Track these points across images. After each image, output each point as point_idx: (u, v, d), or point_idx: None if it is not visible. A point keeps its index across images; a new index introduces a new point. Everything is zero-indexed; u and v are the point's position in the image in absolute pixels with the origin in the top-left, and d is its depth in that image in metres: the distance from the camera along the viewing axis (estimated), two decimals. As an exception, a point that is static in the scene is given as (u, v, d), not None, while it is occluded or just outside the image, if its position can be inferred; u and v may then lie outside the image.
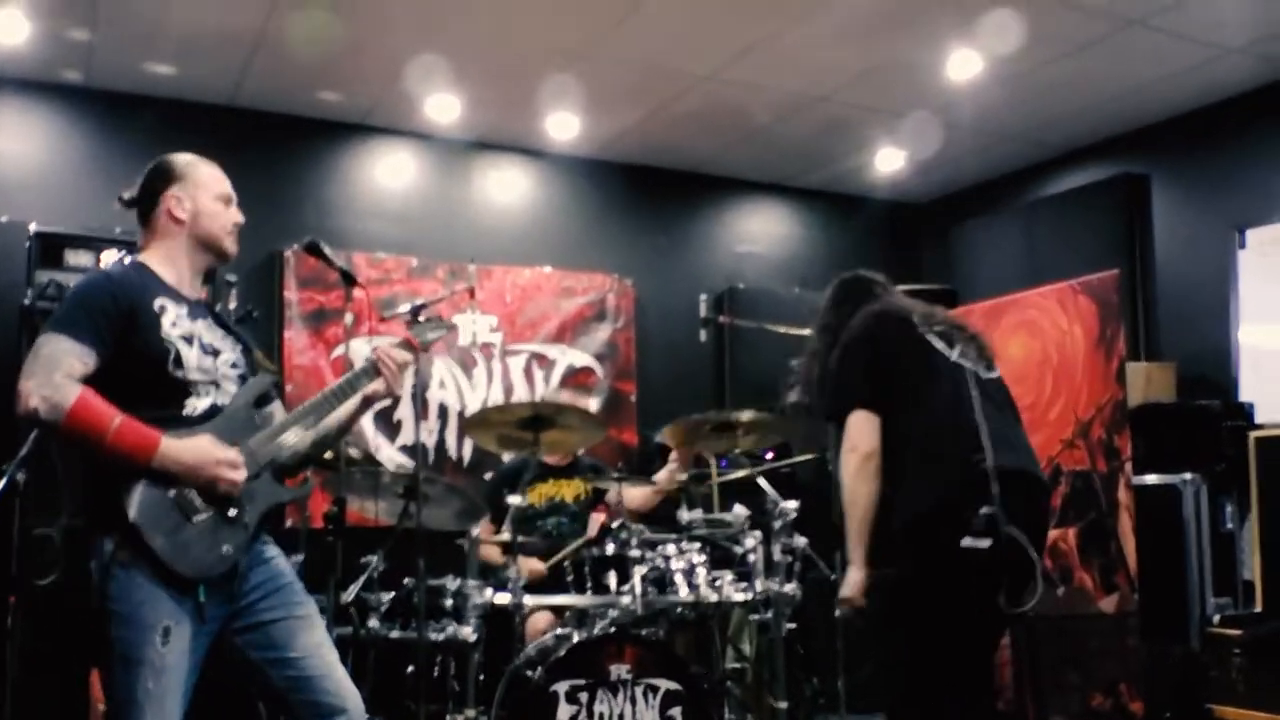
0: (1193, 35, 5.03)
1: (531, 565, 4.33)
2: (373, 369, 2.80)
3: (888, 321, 3.17)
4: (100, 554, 2.42)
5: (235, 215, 2.75)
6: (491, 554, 4.39)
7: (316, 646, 2.62)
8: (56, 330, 2.43)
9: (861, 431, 3.03)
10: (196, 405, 2.54)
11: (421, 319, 3.14)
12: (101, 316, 2.45)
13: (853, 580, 3.08)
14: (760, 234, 7.12)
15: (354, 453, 4.29)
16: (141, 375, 2.48)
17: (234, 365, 2.69)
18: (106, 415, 2.36)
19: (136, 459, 2.38)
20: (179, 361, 2.51)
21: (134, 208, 2.72)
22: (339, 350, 5.61)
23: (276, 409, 2.78)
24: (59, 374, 2.36)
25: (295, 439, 2.70)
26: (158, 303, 2.54)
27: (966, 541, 2.78)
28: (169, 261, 2.67)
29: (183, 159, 2.76)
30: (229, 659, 2.59)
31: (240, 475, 2.48)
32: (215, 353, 2.63)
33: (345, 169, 5.98)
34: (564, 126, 6.06)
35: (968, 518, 2.79)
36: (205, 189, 2.70)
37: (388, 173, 6.10)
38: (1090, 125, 6.16)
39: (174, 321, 2.54)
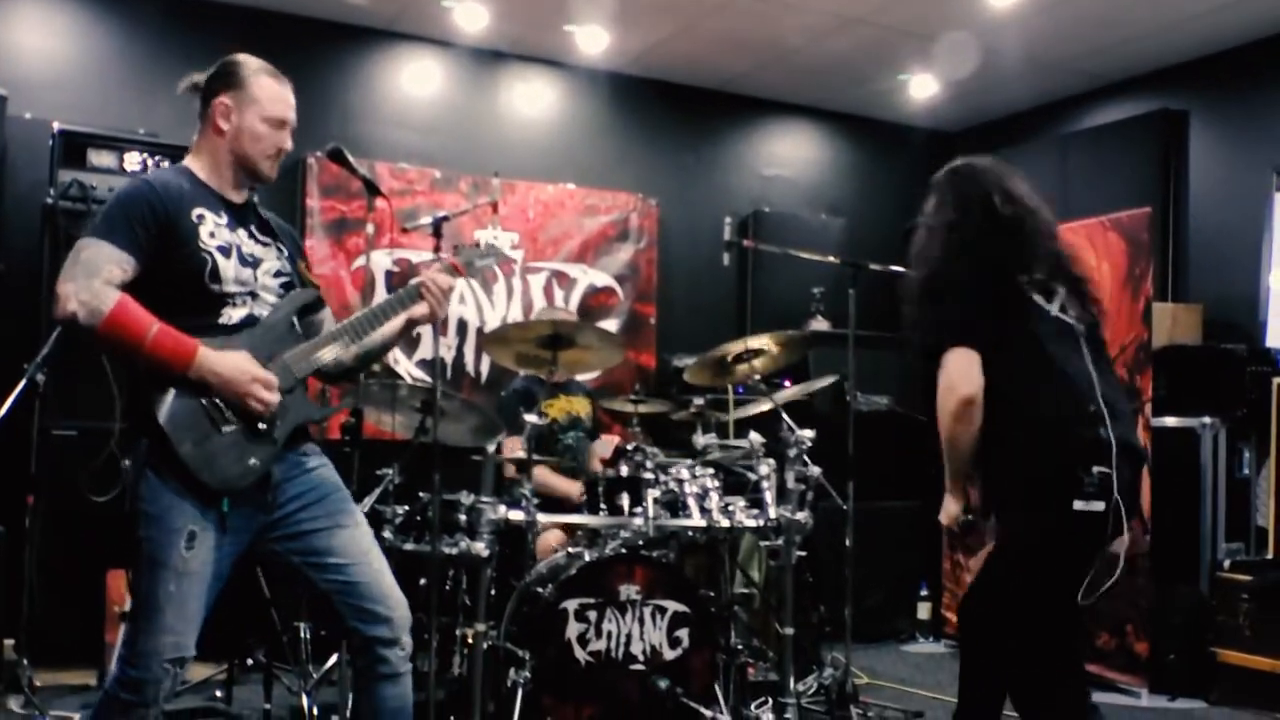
0: (1243, -32, 4.88)
1: (569, 487, 4.36)
2: (416, 293, 2.78)
3: (985, 266, 2.89)
4: (135, 455, 2.47)
5: (282, 140, 2.67)
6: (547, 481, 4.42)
7: (363, 553, 2.65)
8: (97, 235, 2.44)
9: (963, 372, 2.79)
10: (232, 315, 2.55)
11: (474, 244, 3.13)
12: (140, 225, 2.46)
13: (949, 509, 2.99)
14: (788, 157, 7.02)
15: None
16: (178, 285, 2.49)
17: (277, 274, 2.68)
18: (144, 322, 2.38)
19: (173, 366, 2.40)
20: (215, 273, 2.52)
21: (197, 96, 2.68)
22: (360, 261, 5.60)
23: (324, 320, 2.79)
24: (98, 280, 2.37)
25: (332, 355, 2.68)
26: (196, 212, 2.54)
27: (1079, 505, 2.69)
28: (213, 167, 2.65)
29: (250, 66, 2.65)
30: (271, 564, 2.63)
31: (273, 397, 2.49)
32: (255, 262, 2.62)
33: (371, 75, 5.90)
34: (593, 39, 5.95)
35: (1080, 478, 2.70)
36: (257, 106, 2.62)
37: (413, 81, 6.02)
38: (1131, 57, 6.01)
39: (211, 232, 2.54)
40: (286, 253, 2.74)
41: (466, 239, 5.88)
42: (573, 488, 4.36)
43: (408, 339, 5.67)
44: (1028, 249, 2.91)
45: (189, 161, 2.66)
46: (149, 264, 2.46)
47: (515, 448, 4.40)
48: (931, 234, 3.02)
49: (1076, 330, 2.90)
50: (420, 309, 2.81)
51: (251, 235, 2.66)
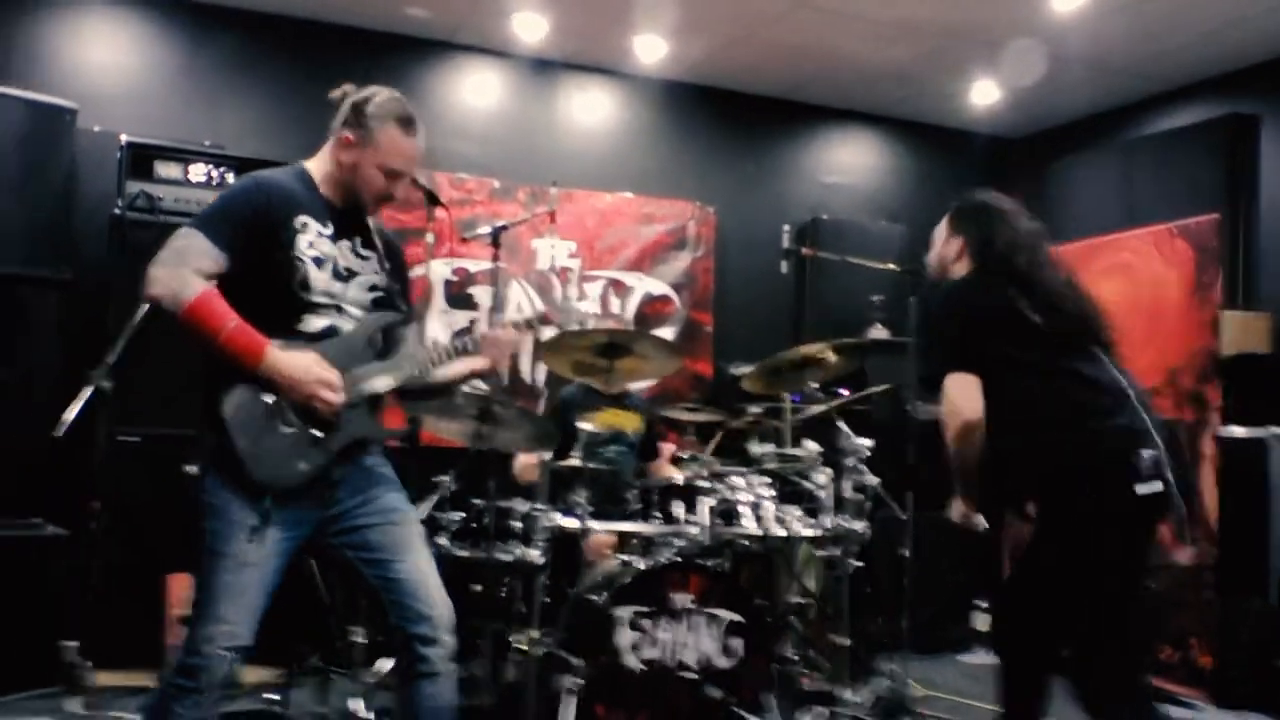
0: (1316, -32, 4.76)
1: (601, 539, 4.21)
2: (476, 346, 2.84)
3: (986, 294, 3.03)
4: (202, 450, 2.55)
5: (393, 189, 2.72)
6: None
7: (410, 551, 2.69)
8: (196, 225, 2.54)
9: (963, 396, 2.92)
10: (314, 324, 2.61)
11: (571, 303, 3.22)
12: (240, 224, 2.54)
13: (958, 509, 3.16)
14: (847, 164, 6.97)
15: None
16: (267, 285, 2.57)
17: (371, 289, 2.74)
18: (223, 316, 2.46)
19: (245, 361, 2.48)
20: (305, 282, 2.59)
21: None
22: (419, 270, 5.65)
23: (404, 341, 2.82)
24: (187, 269, 2.47)
25: (397, 382, 2.72)
26: (300, 219, 2.61)
27: (1141, 488, 2.75)
28: (330, 180, 2.72)
29: (383, 110, 2.68)
30: (329, 557, 2.68)
31: (337, 398, 2.55)
32: (349, 276, 2.69)
33: (430, 87, 5.96)
34: (651, 48, 5.96)
35: (1134, 462, 2.76)
36: (375, 153, 2.67)
37: (472, 92, 6.07)
38: (1199, 61, 5.88)
39: (311, 241, 2.61)
40: (389, 269, 2.79)
41: (524, 248, 5.93)
42: (603, 539, 4.16)
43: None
44: (1028, 277, 3.01)
45: (311, 164, 2.74)
46: (242, 261, 2.54)
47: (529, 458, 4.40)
48: (936, 268, 3.26)
49: (1086, 342, 2.99)
50: (480, 361, 2.88)
51: (354, 248, 2.72)
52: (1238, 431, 4.79)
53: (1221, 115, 5.81)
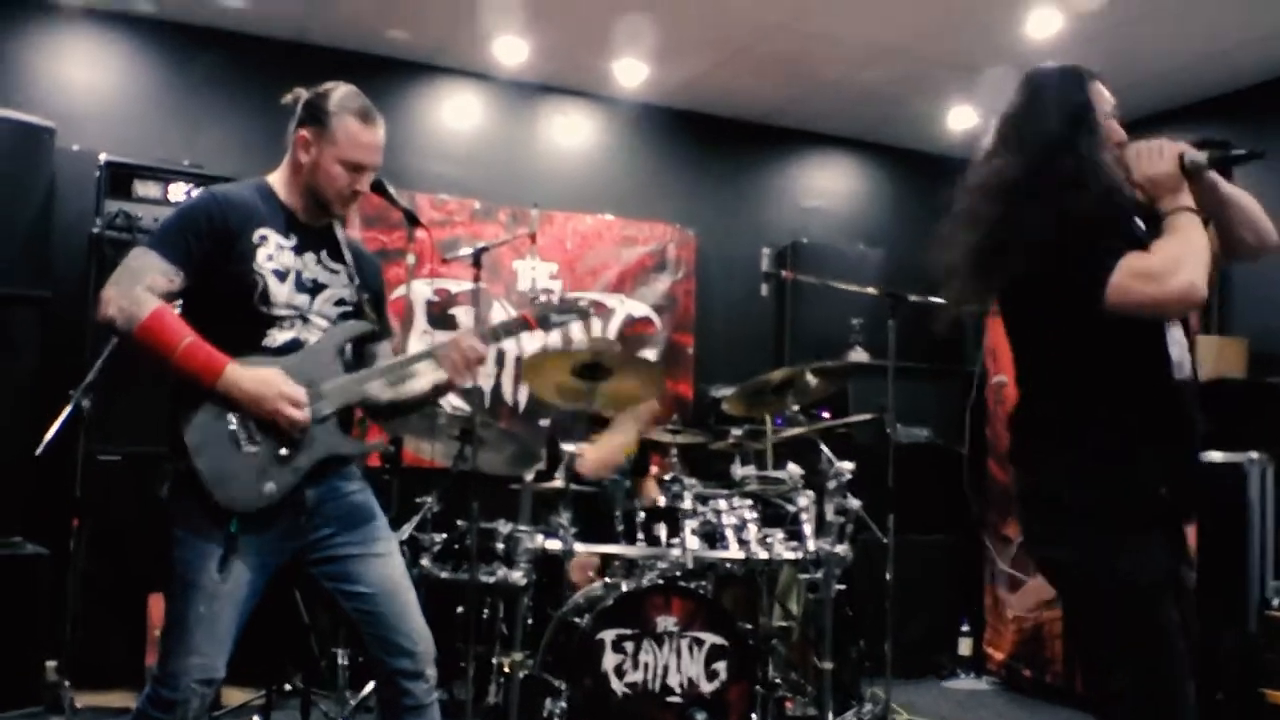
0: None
1: (585, 561, 4.24)
2: (436, 358, 2.72)
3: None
4: (168, 475, 2.48)
5: (357, 184, 2.64)
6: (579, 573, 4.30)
7: (392, 584, 2.63)
8: (150, 244, 2.49)
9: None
10: (277, 338, 2.55)
11: (552, 299, 3.07)
12: (194, 238, 2.48)
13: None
14: (826, 188, 7.01)
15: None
16: (226, 300, 2.52)
17: (339, 303, 2.68)
18: (176, 334, 2.40)
19: (201, 380, 2.41)
20: (265, 295, 2.53)
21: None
22: (400, 290, 5.63)
23: (379, 354, 2.77)
24: (139, 287, 2.41)
25: (370, 392, 2.68)
26: (260, 232, 2.55)
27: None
28: (293, 188, 2.66)
29: (337, 100, 2.61)
30: (308, 586, 2.61)
31: (301, 414, 2.47)
32: (315, 288, 2.62)
33: (411, 109, 5.96)
34: (632, 72, 5.99)
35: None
36: (334, 148, 2.59)
37: (453, 114, 6.08)
38: (1172, 89, 5.96)
39: (270, 254, 2.55)
40: (358, 282, 2.72)
41: (506, 269, 5.92)
42: (587, 561, 4.15)
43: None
44: None
45: (272, 177, 2.68)
46: (200, 276, 2.48)
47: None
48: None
49: None
50: (440, 375, 2.76)
51: (320, 260, 2.66)
52: (1216, 457, 4.82)
53: (1196, 141, 5.87)
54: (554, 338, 6.00)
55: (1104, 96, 2.52)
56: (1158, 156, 2.35)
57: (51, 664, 4.19)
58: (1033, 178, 2.34)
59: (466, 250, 3.92)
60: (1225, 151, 2.37)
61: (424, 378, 2.78)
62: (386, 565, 2.65)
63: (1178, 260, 2.19)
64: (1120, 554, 2.23)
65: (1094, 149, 2.38)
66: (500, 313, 5.92)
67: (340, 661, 4.02)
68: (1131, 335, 2.28)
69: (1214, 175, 2.38)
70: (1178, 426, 2.29)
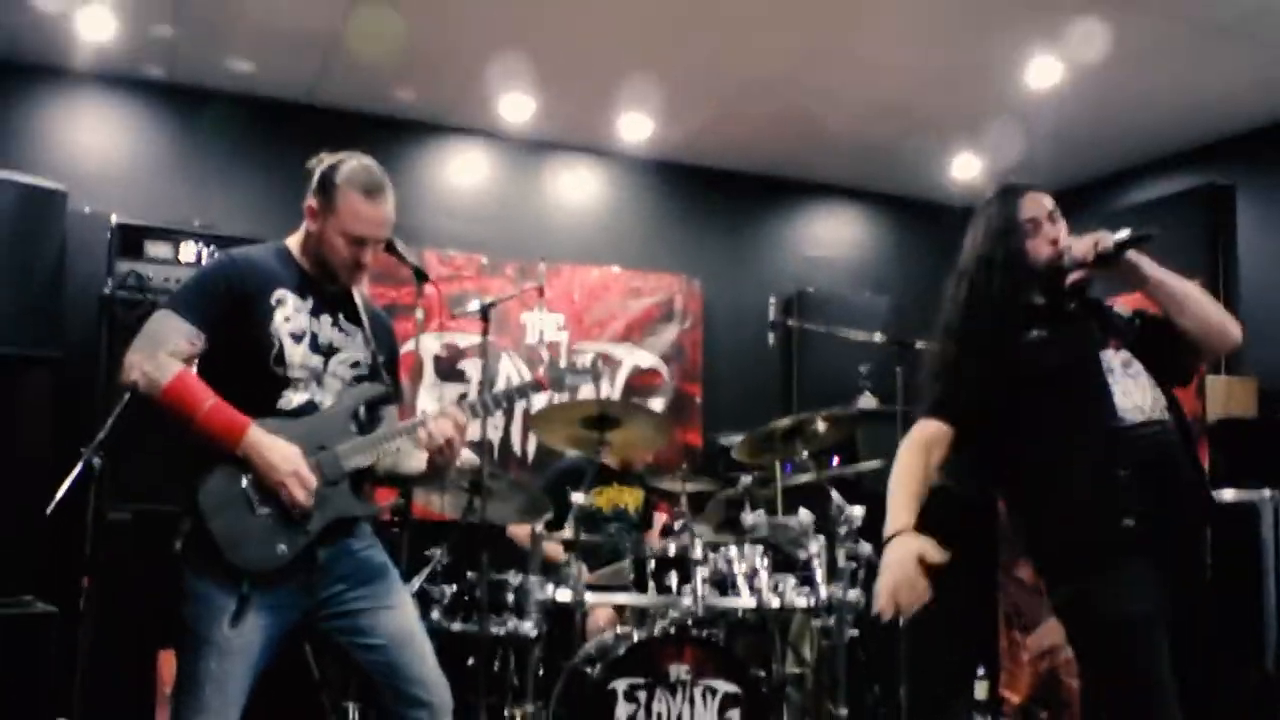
0: (1281, 42, 4.89)
1: (552, 547, 4.32)
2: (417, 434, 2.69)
3: None
4: (181, 534, 2.49)
5: (361, 256, 2.65)
6: (550, 550, 4.37)
7: (407, 635, 2.63)
8: (171, 307, 2.53)
9: None
10: (292, 399, 2.58)
11: (568, 361, 3.11)
12: (213, 301, 2.53)
13: None
14: (831, 238, 7.06)
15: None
16: (242, 361, 2.55)
17: (354, 365, 2.70)
18: (200, 397, 2.44)
19: (224, 442, 2.44)
20: (280, 357, 2.56)
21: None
22: (409, 345, 5.64)
23: (387, 418, 2.78)
24: (163, 352, 2.45)
25: (375, 457, 2.67)
26: (277, 295, 2.59)
27: None
28: (305, 254, 2.70)
29: (345, 174, 2.63)
30: (323, 645, 2.62)
31: (305, 498, 2.48)
32: (330, 350, 2.65)
33: (419, 167, 6.03)
34: (636, 127, 6.06)
35: None
36: (339, 221, 2.61)
37: (460, 171, 6.15)
38: (1174, 134, 6.02)
39: (288, 317, 2.58)
40: (373, 345, 2.74)
41: (514, 322, 5.96)
42: (553, 547, 4.30)
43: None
44: None
45: (290, 240, 2.72)
46: (218, 338, 2.52)
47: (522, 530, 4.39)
48: None
49: None
50: (425, 454, 2.73)
51: (335, 323, 2.69)
52: (1228, 495, 4.80)
53: (1200, 185, 5.92)
54: (561, 393, 6.02)
55: (1034, 207, 2.73)
56: (1083, 245, 2.62)
57: (63, 722, 4.17)
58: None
59: (475, 305, 3.96)
60: (1124, 235, 2.58)
61: (419, 456, 2.77)
62: (400, 616, 2.65)
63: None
64: (1094, 592, 2.37)
65: (1013, 257, 2.64)
66: (509, 366, 5.95)
67: (352, 715, 3.99)
68: (1059, 396, 2.52)
69: (1134, 258, 2.59)
70: (1110, 464, 2.42)
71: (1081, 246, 2.60)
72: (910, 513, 2.54)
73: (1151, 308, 2.73)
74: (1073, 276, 2.61)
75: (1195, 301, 2.61)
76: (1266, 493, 4.73)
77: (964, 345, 2.60)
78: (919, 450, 2.60)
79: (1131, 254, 2.57)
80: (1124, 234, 2.58)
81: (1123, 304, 2.77)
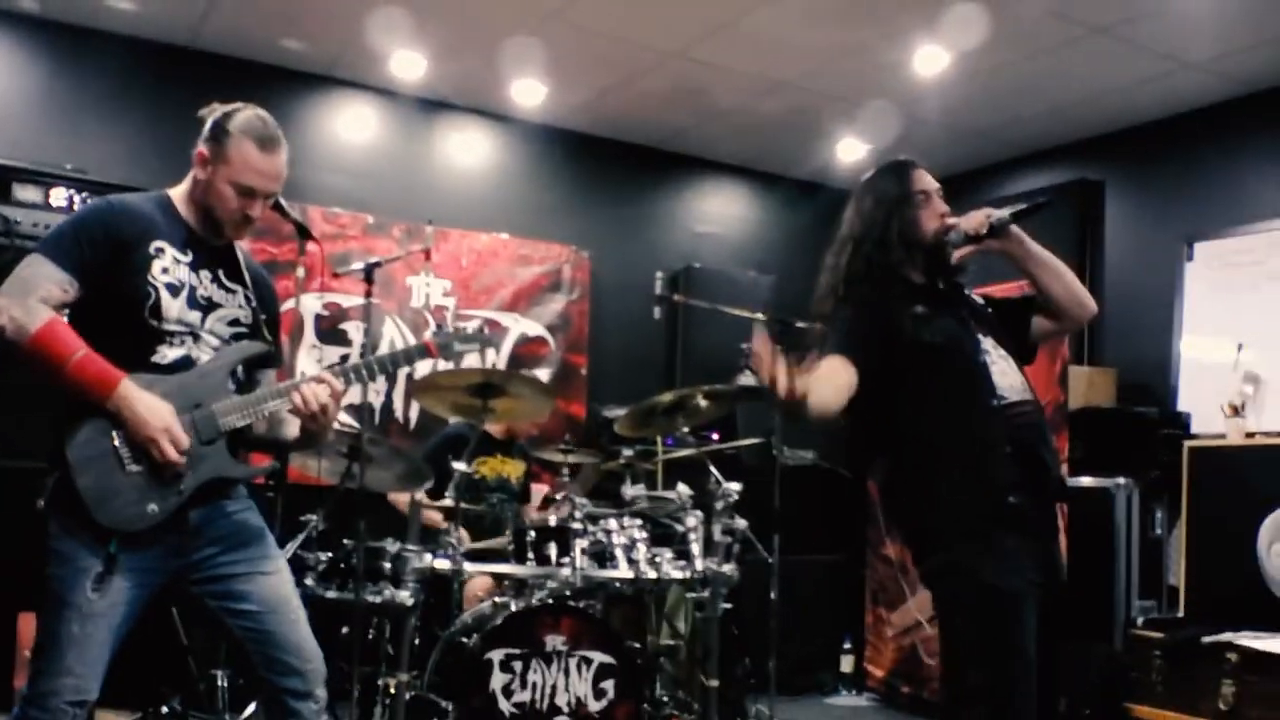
0: (1155, 47, 5.10)
1: (433, 515, 4.34)
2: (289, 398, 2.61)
3: None
4: (47, 491, 2.41)
5: (249, 209, 2.58)
6: (430, 517, 4.36)
7: (280, 602, 2.58)
8: (43, 252, 2.43)
9: None
10: (167, 354, 2.50)
11: (456, 327, 3.04)
12: (88, 247, 2.44)
13: None
14: (719, 214, 7.13)
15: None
16: (117, 311, 2.46)
17: (233, 323, 2.63)
18: (71, 346, 2.35)
19: (94, 394, 2.36)
20: (156, 309, 2.47)
21: None
22: (289, 304, 5.54)
23: (267, 379, 2.72)
24: (33, 298, 2.36)
25: (253, 416, 2.59)
26: (156, 244, 2.51)
27: None
28: (190, 205, 2.62)
29: (239, 122, 2.56)
30: (190, 608, 2.55)
31: (175, 456, 2.41)
32: (209, 306, 2.58)
33: (306, 120, 5.88)
34: (529, 92, 6.01)
35: None
36: (228, 168, 2.54)
37: (348, 127, 6.02)
38: (1051, 128, 6.22)
39: (166, 268, 2.50)
40: (255, 304, 2.68)
41: (399, 285, 5.88)
42: (432, 515, 4.34)
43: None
44: None
45: (174, 191, 2.63)
46: (92, 286, 2.43)
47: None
48: None
49: None
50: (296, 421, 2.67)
51: (216, 278, 2.62)
52: (1085, 481, 5.03)
53: (1072, 180, 6.14)
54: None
55: (926, 181, 2.82)
56: (975, 218, 2.69)
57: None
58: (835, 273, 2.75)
59: (358, 265, 3.89)
60: (1017, 207, 2.70)
61: (293, 422, 2.70)
62: (274, 583, 2.60)
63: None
64: (971, 561, 2.45)
65: (906, 226, 2.71)
66: (393, 330, 5.87)
67: (220, 683, 3.94)
68: (944, 371, 2.58)
69: (1018, 231, 2.71)
70: (995, 441, 2.52)
71: (973, 220, 2.68)
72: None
73: (998, 294, 2.92)
74: (957, 254, 2.69)
75: (1066, 272, 2.77)
76: (1121, 480, 4.97)
77: (856, 309, 2.63)
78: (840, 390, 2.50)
79: (1015, 228, 2.69)
80: (1019, 206, 2.70)
81: (974, 295, 2.88)
